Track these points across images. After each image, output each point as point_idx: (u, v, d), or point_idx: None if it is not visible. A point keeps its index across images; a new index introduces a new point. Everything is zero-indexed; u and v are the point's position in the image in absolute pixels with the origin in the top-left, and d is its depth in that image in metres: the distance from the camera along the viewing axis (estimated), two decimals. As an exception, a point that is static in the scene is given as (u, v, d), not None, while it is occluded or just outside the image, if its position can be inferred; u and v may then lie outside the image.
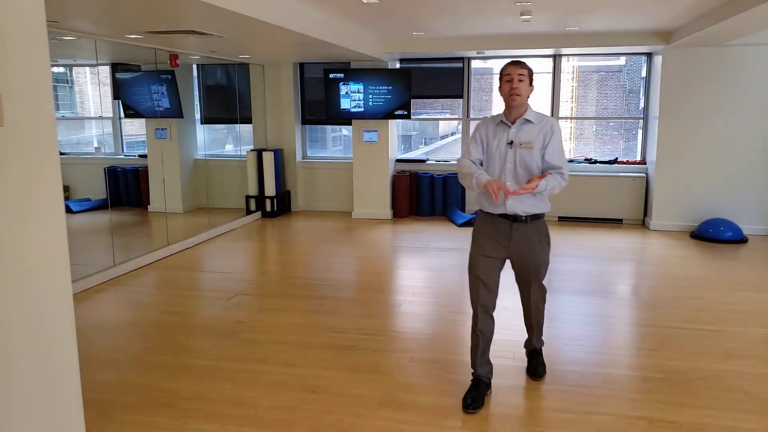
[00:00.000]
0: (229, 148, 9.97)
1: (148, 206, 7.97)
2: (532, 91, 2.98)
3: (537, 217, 3.03)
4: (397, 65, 8.24)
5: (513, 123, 2.99)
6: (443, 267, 5.70)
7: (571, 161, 7.96)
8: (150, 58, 6.54)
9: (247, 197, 8.29)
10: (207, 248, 6.58)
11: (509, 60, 3.01)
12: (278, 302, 4.73)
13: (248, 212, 8.23)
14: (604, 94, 11.81)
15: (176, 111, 7.83)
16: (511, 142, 2.96)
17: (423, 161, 8.38)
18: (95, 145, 8.83)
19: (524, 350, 3.55)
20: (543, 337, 3.49)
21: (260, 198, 8.27)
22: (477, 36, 7.07)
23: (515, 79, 2.90)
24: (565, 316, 4.36)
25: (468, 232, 7.31)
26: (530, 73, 2.96)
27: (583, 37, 6.85)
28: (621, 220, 7.63)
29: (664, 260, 5.92)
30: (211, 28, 4.71)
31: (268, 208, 8.23)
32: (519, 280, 3.20)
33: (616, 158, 7.87)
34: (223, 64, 8.34)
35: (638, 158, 7.89)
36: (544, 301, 3.30)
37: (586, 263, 5.82)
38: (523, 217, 2.97)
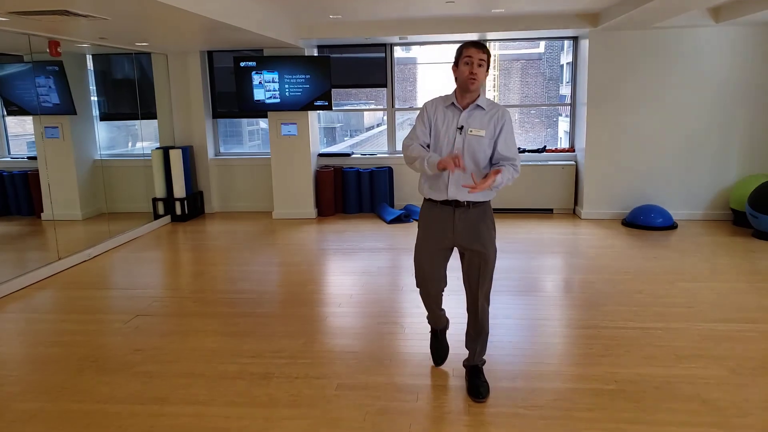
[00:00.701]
0: (134, 147, 9.10)
1: (41, 214, 7.10)
2: (487, 76, 2.86)
3: (479, 204, 2.90)
4: (315, 52, 7.69)
5: (465, 108, 2.87)
6: (372, 270, 5.24)
7: (499, 151, 7.68)
8: (29, 45, 5.69)
9: (154, 200, 7.53)
10: (108, 260, 5.84)
11: (469, 40, 2.87)
12: (185, 323, 4.12)
13: (156, 216, 7.48)
14: (525, 82, 11.72)
15: (67, 107, 6.99)
16: (461, 128, 2.85)
17: (348, 155, 7.89)
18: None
19: (463, 368, 3.22)
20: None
21: (169, 200, 7.53)
22: (399, 20, 6.63)
23: (475, 63, 2.77)
24: (502, 320, 4.00)
25: (398, 229, 6.95)
26: (489, 58, 2.83)
27: (509, 21, 6.54)
28: (551, 209, 7.43)
29: (599, 251, 5.71)
30: (88, 8, 4.01)
31: (179, 211, 7.51)
32: (467, 273, 2.99)
33: (545, 146, 7.67)
34: (123, 54, 7.50)
35: (567, 146, 7.72)
36: (488, 302, 3.03)
37: (518, 259, 5.53)
38: (466, 203, 2.87)
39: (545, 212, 7.43)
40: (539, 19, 6.49)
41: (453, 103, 2.88)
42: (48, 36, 5.44)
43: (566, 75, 10.28)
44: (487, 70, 2.82)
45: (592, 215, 7.09)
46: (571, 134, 7.62)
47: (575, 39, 7.33)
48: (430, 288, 3.06)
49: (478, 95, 2.86)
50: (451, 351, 3.36)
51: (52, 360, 3.59)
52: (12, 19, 4.48)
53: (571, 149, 7.56)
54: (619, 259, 5.40)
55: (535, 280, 4.93)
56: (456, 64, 2.84)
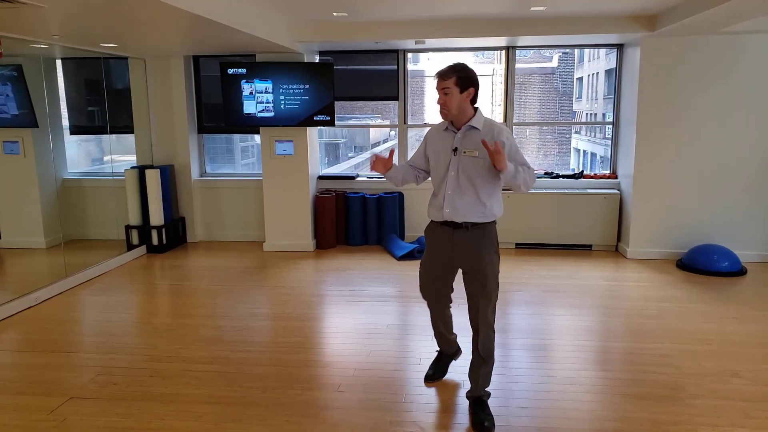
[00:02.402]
0: (109, 164, 8.08)
1: (-1, 240, 6.11)
2: (469, 96, 2.78)
3: (479, 225, 2.85)
4: (316, 58, 6.67)
5: (458, 129, 2.85)
6: (381, 330, 4.16)
7: (528, 175, 6.62)
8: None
9: (128, 228, 6.47)
10: (60, 305, 4.77)
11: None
12: (131, 413, 3.04)
13: (129, 247, 6.43)
14: (537, 98, 10.80)
15: (27, 118, 5.98)
16: (455, 149, 2.84)
17: (352, 178, 6.83)
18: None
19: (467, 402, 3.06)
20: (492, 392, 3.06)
21: (145, 228, 6.48)
22: (415, 21, 5.61)
23: (441, 93, 2.79)
24: (529, 419, 2.91)
25: (410, 267, 5.90)
26: (459, 79, 2.75)
27: (546, 23, 5.51)
28: (590, 246, 6.35)
29: (661, 307, 4.61)
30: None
31: (155, 240, 6.45)
32: (468, 296, 2.96)
33: (582, 171, 6.61)
34: (100, 58, 6.46)
35: (607, 171, 6.65)
36: (493, 331, 2.96)
37: (553, 315, 4.44)
38: (464, 225, 2.85)
39: (583, 249, 6.35)
40: (583, 22, 5.46)
41: (448, 127, 2.89)
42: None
43: (576, 90, 9.79)
44: (464, 91, 2.76)
45: (639, 254, 6.00)
46: (613, 158, 6.56)
47: (620, 47, 6.29)
48: (432, 306, 3.16)
49: (472, 115, 2.82)
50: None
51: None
52: None
53: (613, 175, 6.49)
54: (690, 320, 4.31)
55: (584, 351, 3.83)
56: None
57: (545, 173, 6.65)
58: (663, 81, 5.69)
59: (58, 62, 6.67)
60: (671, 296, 4.84)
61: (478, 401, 2.94)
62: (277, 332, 4.14)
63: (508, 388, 3.26)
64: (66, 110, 6.89)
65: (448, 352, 3.36)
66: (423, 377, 3.38)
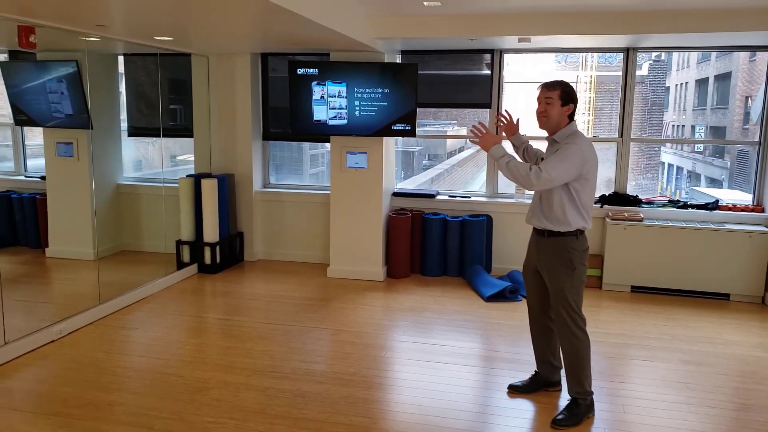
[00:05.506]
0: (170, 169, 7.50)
1: (47, 249, 5.60)
2: (568, 111, 2.95)
3: (555, 234, 2.96)
4: (398, 59, 5.77)
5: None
6: (469, 413, 3.18)
7: (647, 204, 5.45)
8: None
9: (179, 243, 5.80)
10: (87, 339, 4.09)
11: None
12: None
13: (180, 265, 5.75)
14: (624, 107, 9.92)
15: (81, 119, 5.42)
16: (543, 159, 3.04)
17: (432, 196, 5.88)
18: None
19: None
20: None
21: (197, 245, 5.79)
22: (517, 14, 4.60)
23: (542, 102, 2.95)
24: None
25: (500, 311, 4.52)
26: (562, 93, 2.93)
27: (682, 18, 4.36)
28: (728, 295, 5.11)
29: None
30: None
31: (208, 259, 5.74)
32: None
33: (717, 201, 5.37)
34: (165, 55, 5.83)
35: (752, 202, 5.38)
36: (574, 340, 2.98)
37: (700, 406, 3.30)
38: (542, 232, 3.03)
39: (717, 298, 5.12)
40: (729, 16, 4.27)
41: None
42: (15, 19, 3.78)
43: (668, 100, 8.63)
44: (565, 105, 2.92)
45: (796, 311, 4.73)
46: (759, 186, 5.28)
47: (775, 49, 5.04)
48: (528, 300, 3.27)
49: (557, 129, 2.95)
50: None
51: None
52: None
53: (759, 208, 5.22)
54: None
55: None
56: None
57: (669, 201, 5.46)
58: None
59: (120, 58, 6.12)
60: None
61: (572, 400, 3.08)
62: (335, 405, 3.23)
63: None
64: (125, 111, 6.33)
65: (540, 369, 3.34)
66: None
